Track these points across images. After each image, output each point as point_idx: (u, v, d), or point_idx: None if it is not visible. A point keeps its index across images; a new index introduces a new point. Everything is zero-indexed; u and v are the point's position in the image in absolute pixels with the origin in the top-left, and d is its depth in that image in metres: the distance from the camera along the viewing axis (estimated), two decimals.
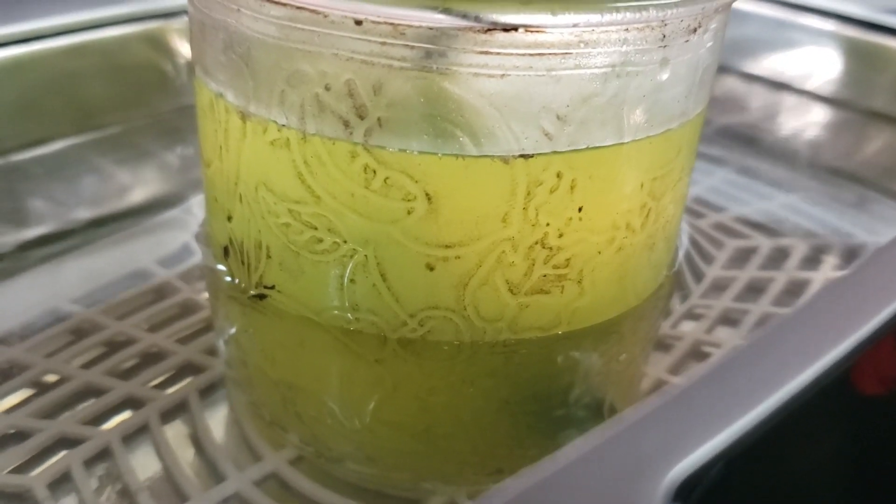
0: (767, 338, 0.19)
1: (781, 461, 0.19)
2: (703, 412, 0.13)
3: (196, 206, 0.33)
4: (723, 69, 0.47)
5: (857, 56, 0.44)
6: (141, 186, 0.35)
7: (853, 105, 0.44)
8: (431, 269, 0.23)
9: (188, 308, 0.27)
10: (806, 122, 0.44)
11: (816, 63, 0.45)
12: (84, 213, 0.33)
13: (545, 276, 0.23)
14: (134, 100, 0.38)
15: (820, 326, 0.19)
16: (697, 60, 0.23)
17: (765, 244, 0.33)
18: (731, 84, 0.47)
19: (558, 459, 0.12)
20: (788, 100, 0.45)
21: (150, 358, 0.25)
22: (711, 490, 0.13)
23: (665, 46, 0.22)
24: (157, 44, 0.39)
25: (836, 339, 0.18)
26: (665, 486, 0.12)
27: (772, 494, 0.19)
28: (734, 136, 0.42)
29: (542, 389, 0.25)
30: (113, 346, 0.26)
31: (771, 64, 0.47)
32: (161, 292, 0.28)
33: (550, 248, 0.23)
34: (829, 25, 0.44)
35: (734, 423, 0.13)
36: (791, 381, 0.16)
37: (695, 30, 0.22)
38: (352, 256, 0.23)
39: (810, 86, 0.45)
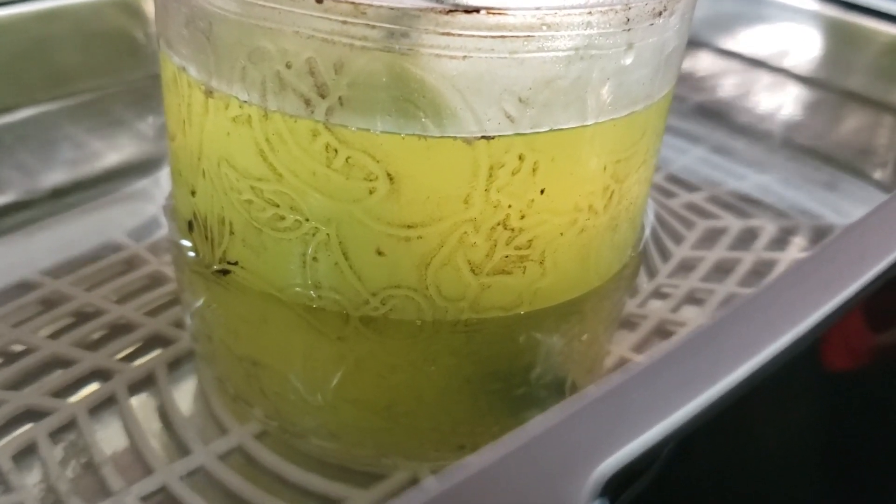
0: (723, 321, 0.19)
1: (740, 442, 0.19)
2: (639, 404, 0.14)
3: (165, 178, 0.33)
4: (699, 45, 0.46)
5: (834, 35, 0.43)
6: (111, 155, 0.35)
7: (829, 85, 0.44)
8: (392, 249, 0.23)
9: (157, 280, 0.27)
10: (781, 100, 0.44)
11: (793, 41, 0.45)
12: (54, 182, 0.32)
13: (507, 256, 0.23)
14: (106, 67, 0.38)
15: (783, 306, 0.19)
16: (663, 43, 0.23)
17: (734, 224, 0.33)
18: (706, 60, 0.46)
19: (483, 457, 0.12)
20: (764, 78, 0.45)
21: (118, 329, 0.25)
22: (646, 485, 0.13)
23: (629, 30, 0.21)
24: (130, 10, 0.38)
25: (800, 318, 0.18)
26: (592, 481, 0.12)
27: (728, 477, 0.19)
28: (709, 113, 0.42)
29: (503, 368, 0.25)
30: (81, 317, 0.26)
31: (747, 41, 0.46)
32: (130, 264, 0.28)
33: (512, 230, 0.23)
34: (806, 3, 0.44)
35: (669, 417, 0.13)
36: (737, 368, 0.16)
37: (660, 13, 0.22)
38: (314, 235, 0.23)
39: (786, 64, 0.45)
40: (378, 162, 0.22)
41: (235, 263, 0.25)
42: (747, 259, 0.31)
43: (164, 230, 0.30)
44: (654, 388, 0.14)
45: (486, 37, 0.20)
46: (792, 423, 0.23)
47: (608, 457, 0.12)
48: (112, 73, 0.38)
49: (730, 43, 0.47)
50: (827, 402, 0.24)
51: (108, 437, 0.22)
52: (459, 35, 0.20)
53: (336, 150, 0.22)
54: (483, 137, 0.21)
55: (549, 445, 0.13)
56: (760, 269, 0.30)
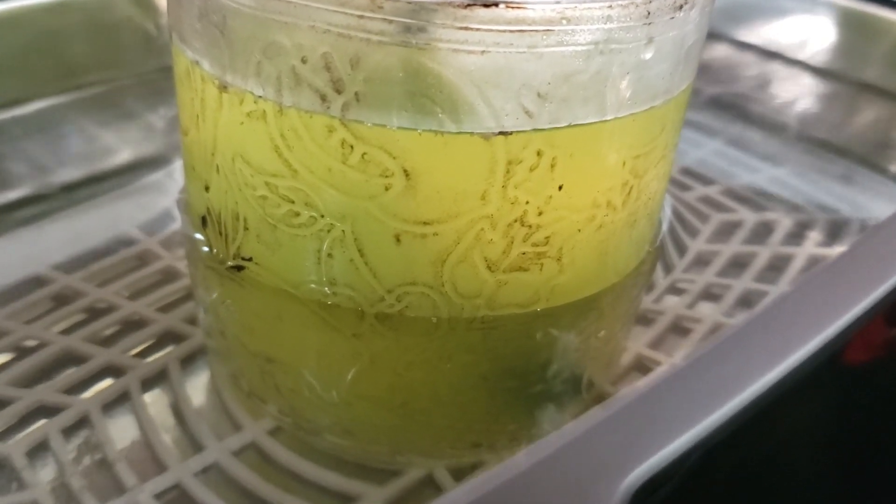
0: (749, 326, 0.19)
1: (762, 445, 0.19)
2: (667, 414, 0.13)
3: (178, 171, 0.32)
4: (714, 36, 0.46)
5: (851, 27, 0.43)
6: (123, 148, 0.34)
7: (845, 77, 0.43)
8: (408, 245, 0.23)
9: (170, 275, 0.27)
10: (797, 93, 0.43)
11: (809, 32, 0.44)
12: (65, 176, 0.32)
13: (524, 253, 0.23)
14: (117, 59, 0.37)
15: (811, 311, 0.19)
16: (683, 37, 0.23)
17: (750, 218, 0.33)
18: (722, 52, 0.46)
19: (510, 466, 0.12)
20: (780, 70, 0.45)
21: (131, 325, 0.25)
22: (672, 490, 0.13)
23: (650, 24, 0.21)
24: (141, 1, 0.38)
25: (828, 323, 0.18)
26: (621, 492, 0.12)
27: (751, 480, 0.19)
28: (725, 106, 0.42)
29: (519, 365, 0.25)
30: (94, 313, 0.25)
31: (763, 32, 0.46)
32: (142, 258, 0.28)
33: (530, 226, 0.23)
34: None
35: (697, 426, 0.13)
36: (763, 376, 0.16)
37: (681, 6, 0.22)
38: (329, 231, 0.23)
39: (802, 56, 0.44)
40: (394, 158, 0.21)
41: (250, 259, 0.25)
42: (763, 253, 0.30)
43: (176, 224, 0.29)
44: (681, 397, 0.14)
45: (504, 31, 0.20)
46: (812, 421, 0.23)
47: (637, 467, 0.12)
48: (123, 65, 0.38)
49: (745, 35, 0.46)
50: (845, 395, 0.24)
51: (122, 434, 0.22)
52: (477, 29, 0.20)
53: (352, 147, 0.21)
54: (501, 133, 0.21)
55: (577, 456, 0.12)
56: (777, 264, 0.30)
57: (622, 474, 0.12)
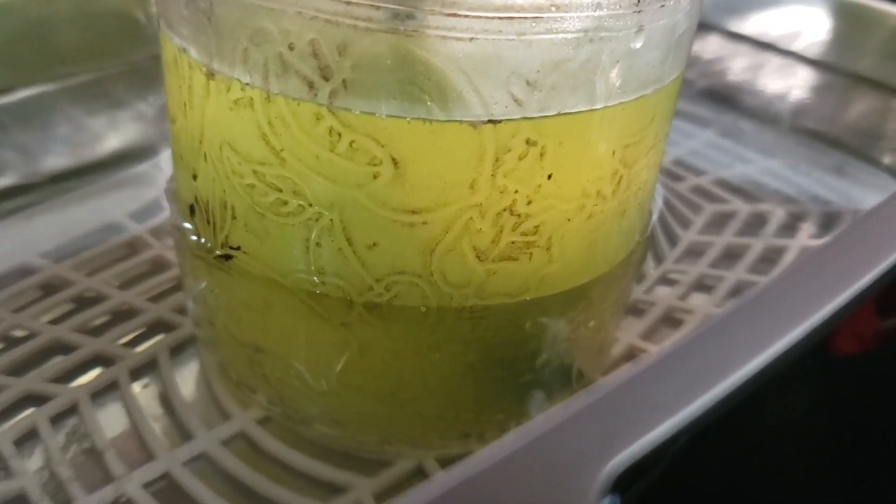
0: (735, 313, 0.19)
1: (747, 432, 0.19)
2: (650, 400, 0.13)
3: (167, 160, 0.32)
4: (707, 27, 0.46)
5: (844, 18, 0.43)
6: (113, 137, 0.34)
7: (838, 68, 0.43)
8: (397, 234, 0.23)
9: (159, 264, 0.27)
10: (790, 84, 0.43)
11: (802, 24, 0.44)
12: (54, 164, 0.32)
13: (513, 242, 0.23)
14: (106, 47, 0.37)
15: (797, 298, 0.19)
16: (674, 25, 0.22)
17: (743, 209, 0.33)
18: (715, 43, 0.46)
19: (493, 452, 0.12)
20: (773, 61, 0.44)
21: (121, 315, 0.25)
22: (657, 477, 0.13)
23: (640, 12, 0.21)
24: None
25: (814, 310, 0.18)
26: (603, 477, 0.12)
27: (737, 468, 0.19)
28: (717, 97, 0.42)
29: (508, 355, 0.25)
30: (82, 303, 0.25)
31: (756, 23, 0.46)
32: (132, 247, 0.28)
33: (519, 216, 0.23)
34: None
35: (681, 412, 0.13)
36: (748, 363, 0.16)
37: None
38: (317, 220, 0.23)
39: (796, 47, 0.44)
40: (382, 146, 0.21)
41: (238, 248, 0.25)
42: (756, 245, 0.30)
43: (166, 213, 0.29)
44: (665, 383, 0.14)
45: (493, 18, 0.20)
46: (798, 411, 0.23)
47: (619, 453, 0.12)
48: (112, 53, 0.37)
49: (738, 25, 0.46)
50: (834, 386, 0.24)
51: (110, 423, 0.22)
52: (466, 16, 0.20)
53: (340, 134, 0.21)
54: (490, 121, 0.21)
55: (559, 442, 0.12)
56: (770, 256, 0.30)
57: (604, 461, 0.12)
